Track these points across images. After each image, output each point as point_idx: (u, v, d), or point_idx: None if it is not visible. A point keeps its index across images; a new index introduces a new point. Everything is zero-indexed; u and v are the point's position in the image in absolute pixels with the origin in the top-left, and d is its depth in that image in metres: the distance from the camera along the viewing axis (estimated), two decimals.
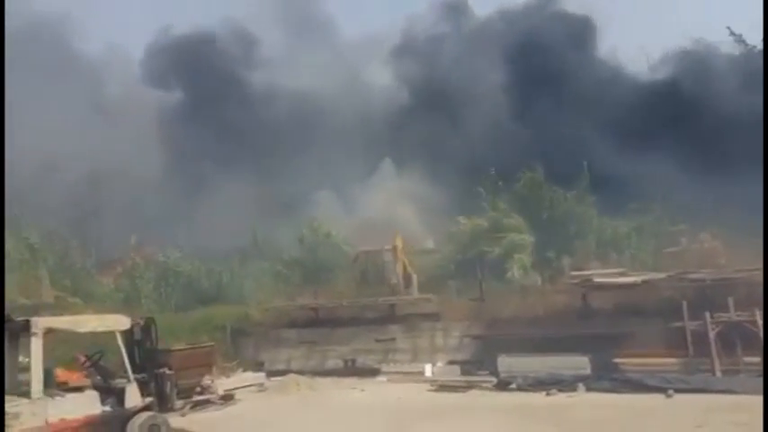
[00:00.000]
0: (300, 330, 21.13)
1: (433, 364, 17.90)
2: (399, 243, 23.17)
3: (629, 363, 14.81)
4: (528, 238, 22.36)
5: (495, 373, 16.01)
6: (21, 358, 11.04)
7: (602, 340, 15.40)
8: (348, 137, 35.22)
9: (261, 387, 17.83)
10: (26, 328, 10.35)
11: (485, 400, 14.51)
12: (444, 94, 36.92)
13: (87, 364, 11.80)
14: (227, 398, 15.94)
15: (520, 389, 15.10)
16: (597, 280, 16.44)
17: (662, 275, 16.11)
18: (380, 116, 37.15)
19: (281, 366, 19.88)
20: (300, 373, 18.79)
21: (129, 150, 34.58)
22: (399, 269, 22.77)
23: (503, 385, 15.44)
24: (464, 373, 16.88)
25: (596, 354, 15.22)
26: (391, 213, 29.48)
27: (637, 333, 15.18)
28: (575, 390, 14.49)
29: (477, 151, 30.98)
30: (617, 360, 14.98)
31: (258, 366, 19.96)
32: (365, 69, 42.75)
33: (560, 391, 14.56)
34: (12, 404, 9.77)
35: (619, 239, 23.49)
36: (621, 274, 16.92)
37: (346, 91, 39.56)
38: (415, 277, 22.64)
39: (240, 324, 21.71)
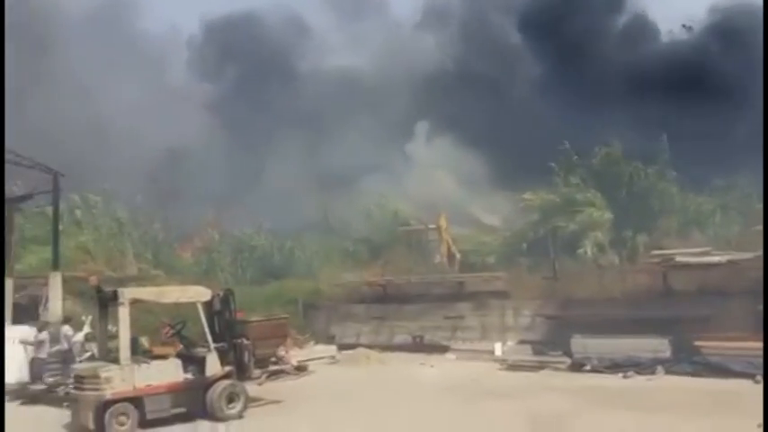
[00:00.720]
0: (369, 306, 21.41)
1: (503, 343, 17.69)
2: (444, 223, 23.40)
3: (711, 346, 14.07)
4: (606, 215, 21.48)
5: (568, 353, 15.66)
6: (109, 327, 11.70)
7: (684, 322, 14.73)
8: (397, 111, 35.19)
9: (332, 359, 18.27)
10: (114, 298, 10.93)
11: (557, 381, 14.23)
12: (485, 65, 35.87)
13: (170, 333, 12.34)
14: (301, 369, 16.42)
15: (594, 370, 14.75)
16: (679, 259, 15.69)
17: (749, 255, 15.19)
18: (427, 89, 36.51)
19: (350, 340, 20.25)
20: (369, 347, 19.07)
21: (198, 129, 35.86)
22: (444, 249, 23.17)
23: (576, 366, 15.11)
24: (535, 353, 16.60)
25: (677, 336, 14.59)
26: (448, 189, 29.42)
27: (721, 315, 14.39)
28: (653, 373, 14.06)
29: (539, 126, 29.96)
30: (699, 343, 14.26)
31: (329, 340, 20.42)
32: (403, 40, 42.15)
33: (638, 373, 14.17)
34: (104, 369, 10.41)
35: (702, 217, 22.28)
36: (705, 254, 16.06)
37: (390, 64, 39.49)
38: (458, 257, 23.12)
39: (311, 298, 22.20)
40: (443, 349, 18.66)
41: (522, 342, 17.47)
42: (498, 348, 17.51)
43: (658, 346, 14.63)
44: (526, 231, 23.05)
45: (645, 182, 22.42)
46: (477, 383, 14.10)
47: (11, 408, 12.72)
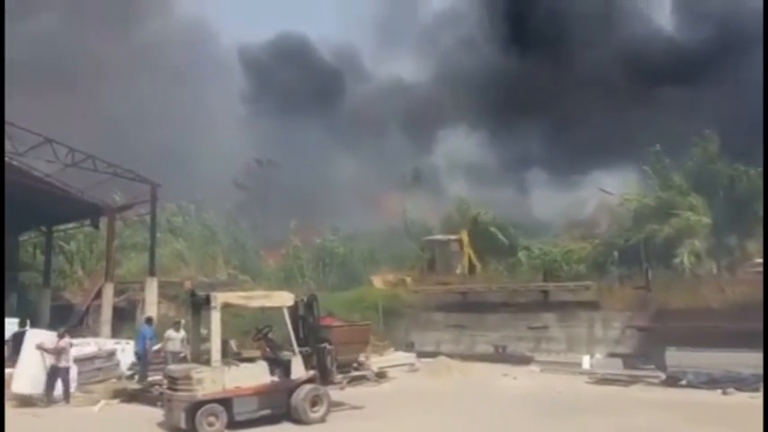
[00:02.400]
0: (449, 314, 21.16)
1: (592, 356, 17.03)
2: (465, 238, 25.37)
3: None
4: (704, 220, 20.12)
5: (662, 367, 14.91)
6: (202, 330, 12.17)
7: None
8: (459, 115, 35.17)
9: (412, 367, 18.14)
10: (207, 302, 11.33)
11: (651, 396, 13.53)
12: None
13: (257, 336, 12.69)
14: (381, 375, 16.41)
15: (691, 386, 13.97)
16: None
17: None
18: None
19: (430, 348, 20.04)
20: (450, 356, 18.76)
21: (275, 141, 37.24)
22: (465, 261, 25.03)
23: (671, 381, 14.34)
24: (627, 366, 15.90)
25: None
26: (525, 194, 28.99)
27: None
28: (757, 390, 13.08)
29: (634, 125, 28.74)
30: None
31: (409, 347, 20.33)
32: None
33: (738, 390, 13.28)
34: (196, 371, 10.84)
35: None
36: None
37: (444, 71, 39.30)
38: (478, 267, 24.90)
39: (390, 304, 22.22)
40: (527, 360, 18.15)
41: (611, 355, 16.77)
42: (586, 361, 16.88)
43: (762, 360, 13.60)
44: (617, 238, 22.04)
45: (746, 185, 20.79)
46: (564, 397, 13.61)
47: (112, 405, 13.52)
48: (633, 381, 14.89)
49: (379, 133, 37.87)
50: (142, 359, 15.71)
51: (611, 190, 24.39)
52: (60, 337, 13.73)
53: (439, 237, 26.76)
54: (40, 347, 13.46)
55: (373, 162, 35.07)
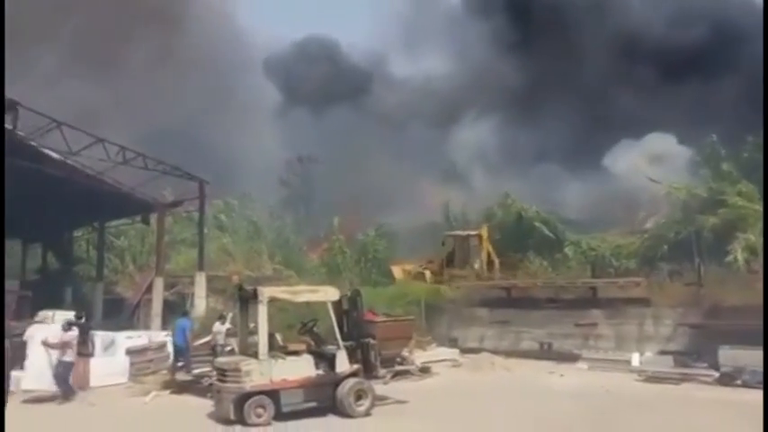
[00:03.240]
0: (493, 310, 20.91)
1: (641, 354, 16.60)
2: (484, 233, 25.81)
3: None
4: (755, 207, 19.21)
5: (715, 366, 14.42)
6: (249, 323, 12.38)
7: None
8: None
9: (455, 363, 18.02)
10: (254, 296, 11.57)
11: (703, 394, 13.14)
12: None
13: (302, 330, 12.86)
14: (425, 370, 16.38)
15: (746, 385, 13.46)
16: None
17: None
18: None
19: (473, 344, 19.86)
20: (494, 352, 18.58)
21: (314, 138, 37.62)
22: (483, 256, 25.26)
23: (726, 380, 13.86)
24: (677, 364, 15.44)
25: None
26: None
27: None
28: None
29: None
30: None
31: (451, 342, 20.21)
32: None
33: None
34: (245, 363, 11.08)
35: None
36: None
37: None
38: (497, 262, 25.20)
39: (433, 300, 22.13)
40: (574, 358, 17.76)
41: (662, 353, 16.29)
42: (636, 359, 16.45)
43: None
44: (667, 232, 21.32)
45: None
46: (613, 395, 13.31)
47: (163, 396, 13.90)
48: (685, 379, 14.48)
49: (418, 129, 37.84)
50: (184, 352, 16.09)
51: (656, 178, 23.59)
52: (66, 330, 13.15)
53: (459, 232, 27.08)
54: (45, 343, 13.16)
55: (414, 157, 35.06)
